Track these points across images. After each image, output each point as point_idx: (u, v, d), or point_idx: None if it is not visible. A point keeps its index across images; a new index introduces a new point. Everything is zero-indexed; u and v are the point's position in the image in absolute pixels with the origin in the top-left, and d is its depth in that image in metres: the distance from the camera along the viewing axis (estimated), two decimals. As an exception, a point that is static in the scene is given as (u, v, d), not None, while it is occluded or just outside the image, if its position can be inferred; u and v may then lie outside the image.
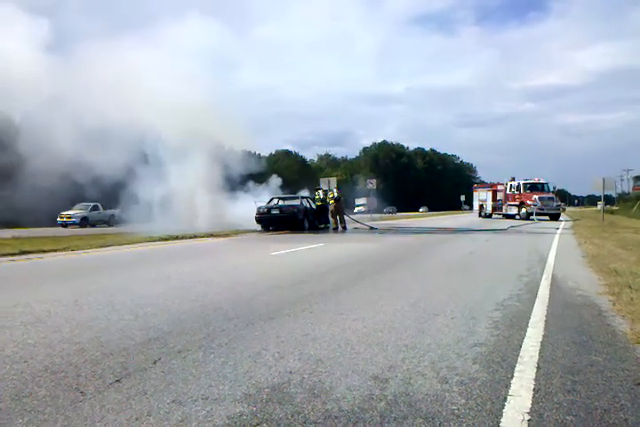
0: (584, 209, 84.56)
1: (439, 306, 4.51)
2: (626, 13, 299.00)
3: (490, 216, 33.79)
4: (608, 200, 56.70)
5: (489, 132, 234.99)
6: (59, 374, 2.79)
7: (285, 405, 2.36)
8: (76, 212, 27.69)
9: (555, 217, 28.10)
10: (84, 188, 20.75)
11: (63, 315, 4.32)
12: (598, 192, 26.50)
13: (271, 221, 18.73)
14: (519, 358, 2.99)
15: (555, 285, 5.67)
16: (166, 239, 13.94)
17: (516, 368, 2.82)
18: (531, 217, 26.99)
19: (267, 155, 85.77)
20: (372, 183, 32.27)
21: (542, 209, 27.69)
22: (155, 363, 2.98)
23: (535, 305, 4.53)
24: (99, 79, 20.03)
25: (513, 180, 31.37)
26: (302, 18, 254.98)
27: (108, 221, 28.87)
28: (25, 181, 18.94)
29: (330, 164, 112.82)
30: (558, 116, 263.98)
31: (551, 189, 30.25)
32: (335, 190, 19.95)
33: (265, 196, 23.52)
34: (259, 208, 18.90)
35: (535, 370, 2.79)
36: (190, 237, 14.84)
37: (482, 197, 35.87)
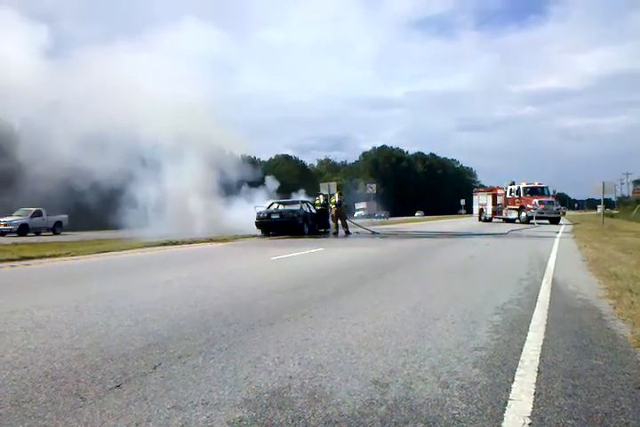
0: (584, 213, 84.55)
1: (439, 310, 4.51)
2: (626, 16, 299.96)
3: (490, 220, 33.78)
4: (608, 204, 56.77)
5: (489, 136, 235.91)
6: (59, 380, 2.79)
7: (286, 410, 2.35)
8: (13, 218, 24.50)
9: (555, 221, 28.09)
10: (84, 193, 20.73)
11: (63, 320, 4.31)
12: (598, 196, 26.53)
13: (271, 226, 18.72)
14: (520, 362, 2.98)
15: (555, 288, 5.66)
16: (165, 244, 13.94)
17: (517, 372, 2.81)
18: (531, 221, 26.98)
19: (266, 159, 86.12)
20: (372, 188, 32.36)
21: (542, 213, 27.67)
22: (155, 368, 2.97)
23: (535, 309, 4.52)
24: (97, 84, 20.12)
25: (513, 184, 31.39)
26: (302, 22, 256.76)
27: (54, 229, 26.38)
28: (25, 187, 18.97)
29: (330, 168, 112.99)
30: (558, 119, 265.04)
31: (551, 193, 30.24)
32: (337, 195, 19.96)
33: (260, 198, 23.58)
34: (258, 213, 18.90)
35: (536, 374, 2.78)
36: (189, 243, 14.84)
37: (482, 200, 35.88)
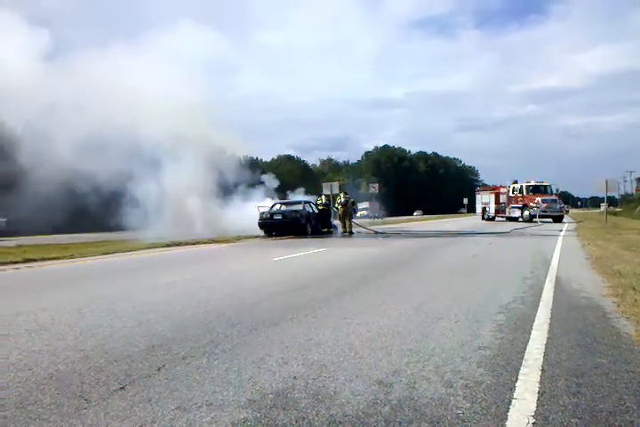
0: (587, 211, 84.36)
1: (443, 310, 4.50)
2: (626, 15, 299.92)
3: (493, 219, 33.72)
4: (611, 202, 56.49)
5: (490, 135, 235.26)
6: (63, 382, 2.80)
7: (290, 410, 2.35)
8: None
9: (558, 219, 28.02)
10: (86, 195, 20.74)
11: (67, 322, 4.32)
12: (601, 194, 26.39)
13: (274, 227, 18.73)
14: (524, 361, 2.98)
15: (559, 287, 5.65)
16: (169, 246, 13.97)
17: (521, 371, 2.81)
18: (534, 219, 26.92)
19: (268, 160, 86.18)
20: (375, 188, 32.36)
21: (545, 211, 27.61)
22: (159, 370, 2.98)
23: (539, 308, 4.51)
24: (97, 86, 20.16)
25: (516, 182, 31.32)
26: (302, 24, 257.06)
27: None
28: (27, 190, 19.00)
29: (332, 168, 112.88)
30: (560, 118, 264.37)
31: (554, 191, 30.18)
32: (342, 195, 19.95)
33: (258, 197, 23.58)
34: (261, 214, 18.91)
35: (540, 373, 2.77)
36: (192, 244, 14.86)
37: (485, 199, 35.83)
